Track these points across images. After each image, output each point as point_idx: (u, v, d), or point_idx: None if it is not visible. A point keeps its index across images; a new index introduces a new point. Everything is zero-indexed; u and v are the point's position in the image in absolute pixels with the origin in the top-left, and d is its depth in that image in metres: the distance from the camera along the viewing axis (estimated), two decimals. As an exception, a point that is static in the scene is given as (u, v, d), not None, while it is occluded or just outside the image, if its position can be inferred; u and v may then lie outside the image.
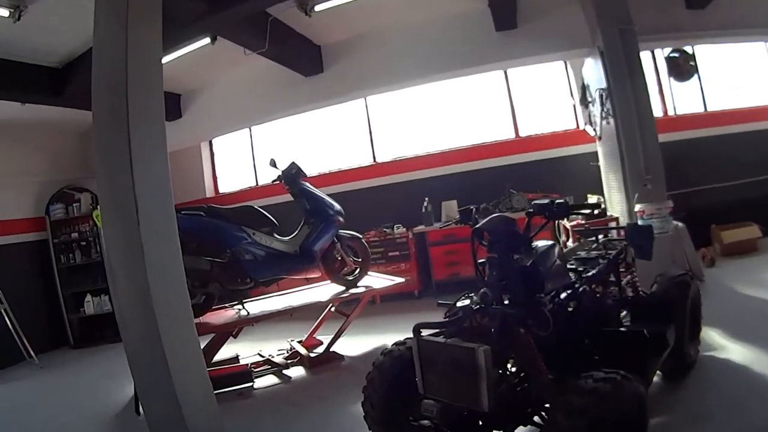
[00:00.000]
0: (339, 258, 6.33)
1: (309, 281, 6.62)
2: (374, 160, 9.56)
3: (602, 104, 6.87)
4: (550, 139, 8.85)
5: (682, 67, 7.98)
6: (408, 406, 3.08)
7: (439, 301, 3.42)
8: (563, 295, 3.26)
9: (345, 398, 4.69)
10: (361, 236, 6.69)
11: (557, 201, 3.12)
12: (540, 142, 8.86)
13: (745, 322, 4.86)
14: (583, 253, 4.17)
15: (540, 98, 9.09)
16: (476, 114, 9.28)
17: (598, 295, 3.73)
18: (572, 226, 6.71)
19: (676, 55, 7.91)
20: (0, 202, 8.49)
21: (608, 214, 7.16)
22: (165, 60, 4.66)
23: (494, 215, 3.30)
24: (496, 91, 9.13)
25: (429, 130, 9.42)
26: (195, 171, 10.55)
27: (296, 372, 5.83)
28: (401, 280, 6.71)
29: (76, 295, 9.09)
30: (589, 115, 7.83)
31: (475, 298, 3.05)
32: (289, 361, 5.98)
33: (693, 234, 6.75)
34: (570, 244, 6.69)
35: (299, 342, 6.43)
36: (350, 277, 6.44)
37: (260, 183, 10.21)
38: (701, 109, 8.76)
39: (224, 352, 5.73)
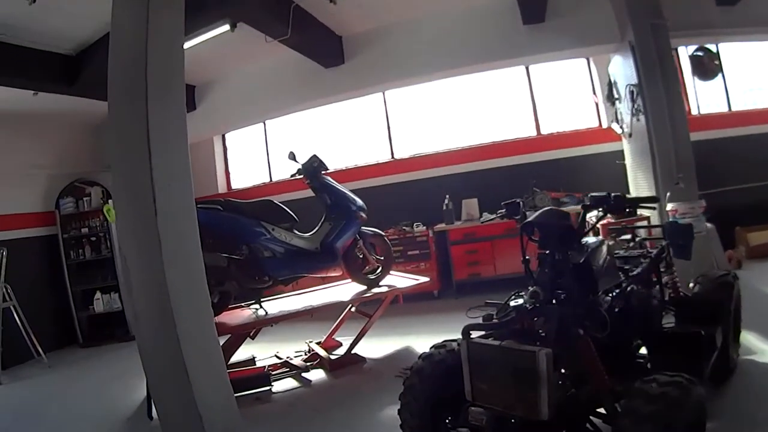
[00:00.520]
0: (361, 256, 6.09)
1: (325, 280, 6.39)
2: (392, 157, 9.36)
3: (633, 101, 6.69)
4: (572, 137, 8.67)
5: (707, 66, 7.72)
6: (451, 414, 2.93)
7: (487, 300, 3.34)
8: (612, 295, 3.13)
9: (371, 404, 4.53)
10: (383, 233, 6.44)
11: (614, 194, 2.91)
12: (562, 140, 8.69)
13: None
14: (622, 252, 4.00)
15: (561, 96, 8.92)
16: (497, 111, 9.10)
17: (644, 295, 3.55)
18: (605, 224, 6.40)
19: (701, 53, 7.65)
20: (9, 195, 8.27)
21: (638, 213, 6.91)
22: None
23: (546, 209, 3.10)
24: (517, 87, 8.95)
25: (448, 127, 9.22)
26: (207, 166, 10.34)
27: (316, 375, 5.57)
28: (425, 279, 6.45)
29: (85, 292, 8.86)
30: (616, 113, 7.66)
31: (525, 297, 2.85)
32: (308, 364, 5.72)
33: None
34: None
35: (317, 343, 6.19)
36: (372, 276, 6.18)
37: (274, 179, 10.01)
38: (725, 109, 8.58)
39: (240, 354, 5.50)
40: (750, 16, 7.15)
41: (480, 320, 2.88)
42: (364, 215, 5.99)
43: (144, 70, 3.33)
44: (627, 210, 4.38)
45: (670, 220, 5.49)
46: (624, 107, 7.24)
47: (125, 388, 5.96)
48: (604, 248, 3.20)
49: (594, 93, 8.73)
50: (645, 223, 6.49)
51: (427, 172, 8.99)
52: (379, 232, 6.37)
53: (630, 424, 2.21)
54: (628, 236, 4.48)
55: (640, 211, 6.95)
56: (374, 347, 6.02)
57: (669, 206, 5.88)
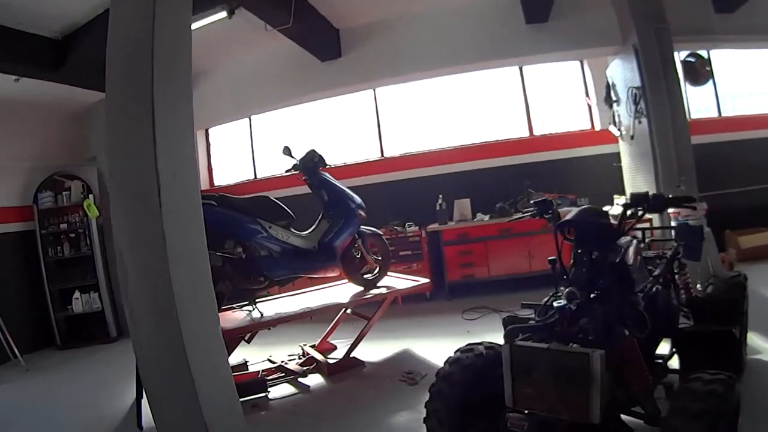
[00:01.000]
0: (358, 256, 5.89)
1: (319, 281, 6.15)
2: (382, 155, 9.19)
3: (635, 103, 6.75)
4: (565, 139, 8.66)
5: (699, 72, 7.89)
6: (479, 420, 2.86)
7: (524, 302, 3.36)
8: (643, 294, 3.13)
9: (376, 411, 4.37)
10: (381, 233, 6.26)
11: (653, 193, 2.92)
12: (554, 141, 8.67)
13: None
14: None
15: (553, 97, 8.90)
16: (489, 111, 9.01)
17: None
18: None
19: (692, 59, 7.80)
20: (-15, 188, 7.85)
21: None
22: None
23: (583, 207, 3.11)
24: (509, 88, 8.89)
25: (439, 126, 9.09)
26: (188, 161, 9.94)
27: (314, 380, 5.34)
28: (425, 280, 6.29)
29: (63, 291, 8.43)
30: (614, 115, 7.69)
31: (562, 297, 2.80)
32: (305, 368, 5.48)
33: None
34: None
35: (312, 347, 5.98)
36: (370, 277, 5.98)
37: (260, 176, 9.76)
38: (716, 114, 8.71)
39: (231, 358, 5.20)
40: (747, 24, 7.30)
41: (518, 322, 2.96)
42: (363, 214, 5.81)
43: (150, 50, 3.07)
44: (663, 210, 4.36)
45: (680, 221, 5.48)
46: (623, 110, 7.28)
47: (110, 394, 5.65)
48: (634, 247, 3.24)
49: (587, 95, 8.75)
50: (646, 225, 6.39)
51: (418, 172, 8.85)
52: (378, 231, 6.18)
53: (681, 423, 2.22)
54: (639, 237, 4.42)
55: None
56: (371, 350, 5.82)
57: (671, 209, 5.84)
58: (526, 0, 7.16)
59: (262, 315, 5.18)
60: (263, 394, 4.97)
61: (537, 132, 8.81)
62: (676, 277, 3.94)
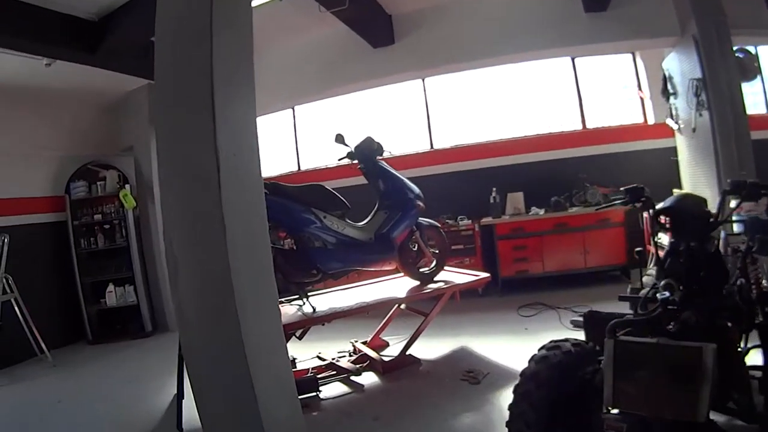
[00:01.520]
0: (415, 249, 5.54)
1: (364, 275, 5.84)
2: (431, 147, 8.87)
3: (696, 95, 6.50)
4: (618, 133, 8.35)
5: (748, 67, 7.43)
6: (567, 423, 2.68)
7: (621, 295, 3.16)
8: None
9: (441, 412, 4.09)
10: (439, 225, 5.91)
11: (751, 180, 2.85)
12: (607, 135, 8.36)
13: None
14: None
15: (605, 90, 8.65)
16: (540, 103, 8.72)
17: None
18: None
19: (741, 55, 7.34)
20: (15, 177, 7.57)
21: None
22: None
23: (681, 193, 3.11)
24: (561, 80, 8.60)
25: (490, 118, 8.79)
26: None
27: (367, 378, 5.00)
28: (484, 274, 5.92)
29: (96, 284, 8.16)
30: (671, 108, 7.41)
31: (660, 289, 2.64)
32: (358, 366, 5.12)
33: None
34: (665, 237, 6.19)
35: (364, 343, 5.65)
36: (426, 271, 5.65)
37: (303, 168, 9.46)
38: (764, 111, 8.27)
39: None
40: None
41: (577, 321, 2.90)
42: (422, 204, 5.46)
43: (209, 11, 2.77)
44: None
45: (745, 216, 5.21)
46: (681, 102, 7.07)
47: (144, 392, 5.37)
48: (723, 239, 3.33)
49: (639, 88, 8.47)
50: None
51: (468, 164, 8.55)
52: (435, 223, 5.84)
53: None
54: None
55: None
56: (425, 348, 5.47)
57: (732, 203, 5.49)
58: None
59: (314, 310, 4.86)
60: (314, 394, 4.66)
61: (590, 125, 8.53)
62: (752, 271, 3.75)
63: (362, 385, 4.86)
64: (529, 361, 2.80)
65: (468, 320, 6.48)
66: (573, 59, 8.38)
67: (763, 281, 3.94)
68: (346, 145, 5.37)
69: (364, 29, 7.39)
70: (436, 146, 8.86)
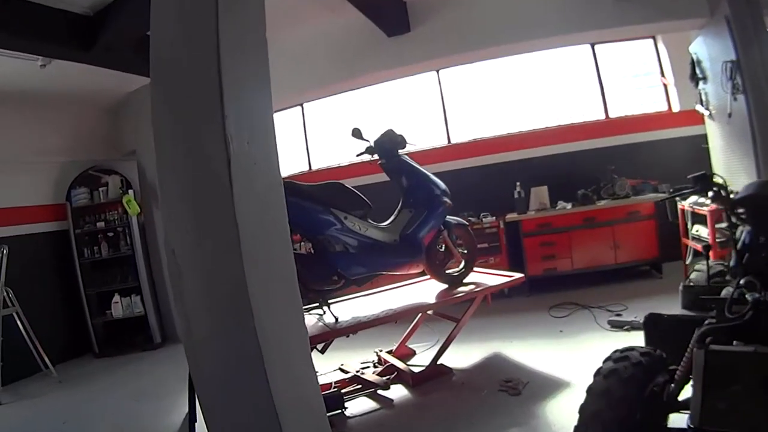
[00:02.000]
0: (442, 249, 5.17)
1: (386, 279, 5.39)
2: (449, 141, 8.49)
3: (731, 78, 6.10)
4: (642, 122, 7.99)
5: None
6: None
7: (702, 296, 2.90)
8: None
9: (478, 427, 3.72)
10: (467, 224, 5.54)
11: None
12: (631, 124, 8.00)
13: None
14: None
15: (626, 79, 8.27)
16: (560, 93, 8.34)
17: None
18: (712, 210, 5.84)
19: None
20: (13, 185, 7.30)
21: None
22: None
23: (761, 181, 3.03)
24: (581, 69, 8.23)
25: (509, 110, 8.43)
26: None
27: (396, 392, 4.60)
28: (518, 275, 5.52)
29: (101, 295, 7.90)
30: (700, 94, 7.03)
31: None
32: (386, 378, 4.73)
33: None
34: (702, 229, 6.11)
35: (389, 352, 5.27)
36: (455, 273, 5.28)
37: (314, 167, 9.09)
38: None
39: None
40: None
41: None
42: (449, 201, 5.09)
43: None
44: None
45: None
46: (711, 87, 6.73)
47: (155, 410, 5.05)
48: None
49: (662, 75, 8.10)
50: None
51: (488, 159, 8.19)
52: (463, 221, 5.49)
53: None
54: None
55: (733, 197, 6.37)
56: (455, 355, 5.08)
57: None
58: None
59: (336, 320, 4.46)
60: (339, 411, 4.27)
61: (612, 115, 8.18)
62: None
63: (391, 400, 4.48)
64: (595, 376, 2.47)
65: (497, 323, 6.12)
66: (593, 47, 8.04)
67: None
68: (365, 139, 5.00)
69: (377, 16, 7.02)
70: (453, 141, 8.51)
